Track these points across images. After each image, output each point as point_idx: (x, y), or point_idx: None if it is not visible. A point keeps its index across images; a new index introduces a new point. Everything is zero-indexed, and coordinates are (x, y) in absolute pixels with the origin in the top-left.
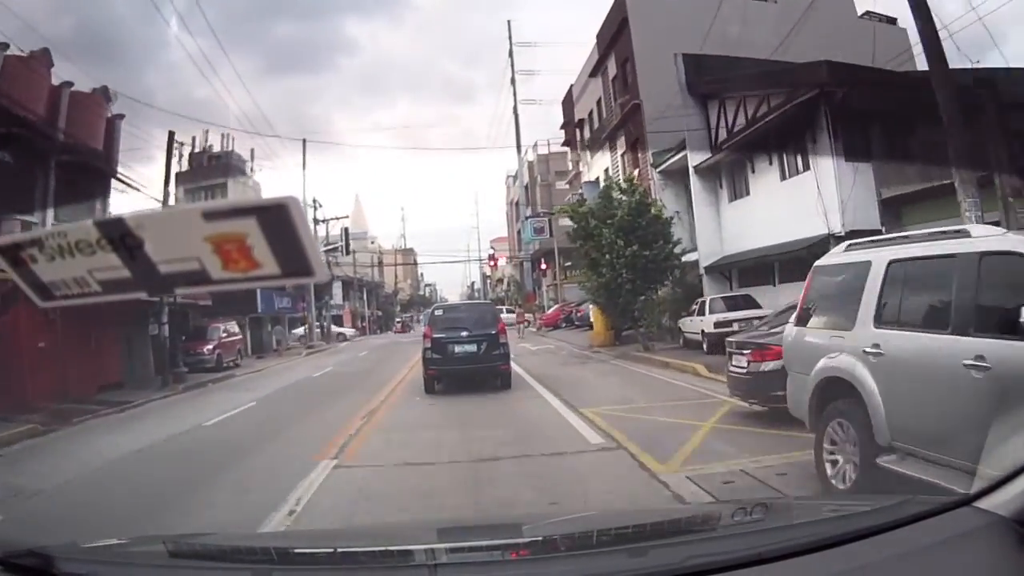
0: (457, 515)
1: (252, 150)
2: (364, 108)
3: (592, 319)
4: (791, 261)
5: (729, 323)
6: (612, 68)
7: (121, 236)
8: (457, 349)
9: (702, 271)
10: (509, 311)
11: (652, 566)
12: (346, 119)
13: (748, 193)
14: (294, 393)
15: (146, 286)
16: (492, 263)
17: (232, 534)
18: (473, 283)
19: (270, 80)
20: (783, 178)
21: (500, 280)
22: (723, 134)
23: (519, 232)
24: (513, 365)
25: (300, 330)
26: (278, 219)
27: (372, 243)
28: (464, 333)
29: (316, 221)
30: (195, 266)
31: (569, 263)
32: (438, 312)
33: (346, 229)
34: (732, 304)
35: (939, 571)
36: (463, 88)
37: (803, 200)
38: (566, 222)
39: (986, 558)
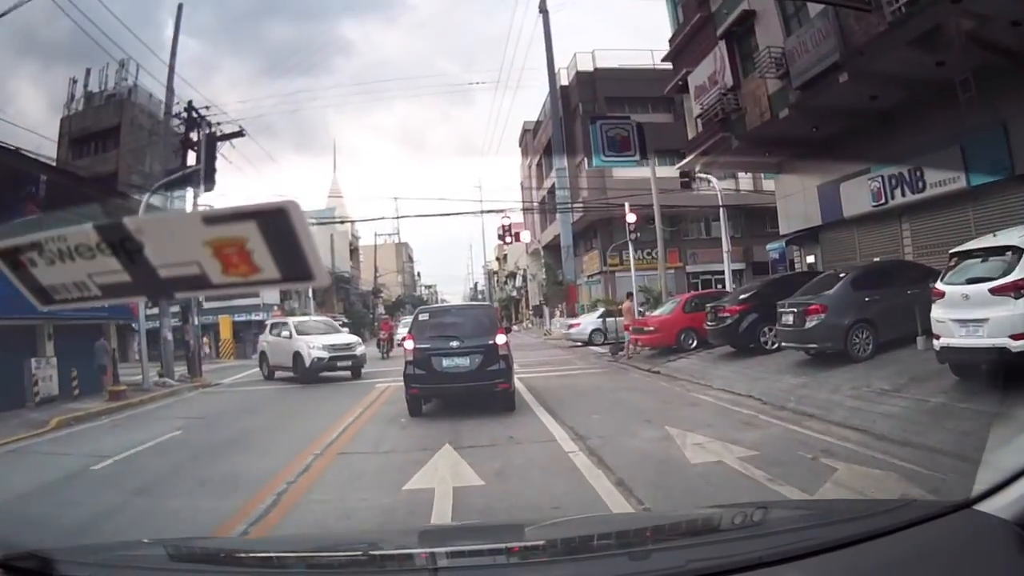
0: (457, 519)
1: (170, 91)
2: (360, 106)
3: None
4: None
5: None
6: None
7: (121, 240)
8: (445, 363)
9: None
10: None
11: (653, 570)
12: (343, 118)
13: None
14: None
15: (146, 290)
16: (508, 236)
17: (232, 539)
18: (476, 283)
19: (268, 81)
20: None
21: (511, 275)
22: None
23: (547, 193)
24: None
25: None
26: (278, 223)
27: (342, 224)
28: (454, 343)
29: (193, 140)
30: (195, 270)
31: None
32: (423, 316)
33: (237, 132)
34: None
35: (940, 574)
36: (462, 89)
37: None
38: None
39: (987, 561)
